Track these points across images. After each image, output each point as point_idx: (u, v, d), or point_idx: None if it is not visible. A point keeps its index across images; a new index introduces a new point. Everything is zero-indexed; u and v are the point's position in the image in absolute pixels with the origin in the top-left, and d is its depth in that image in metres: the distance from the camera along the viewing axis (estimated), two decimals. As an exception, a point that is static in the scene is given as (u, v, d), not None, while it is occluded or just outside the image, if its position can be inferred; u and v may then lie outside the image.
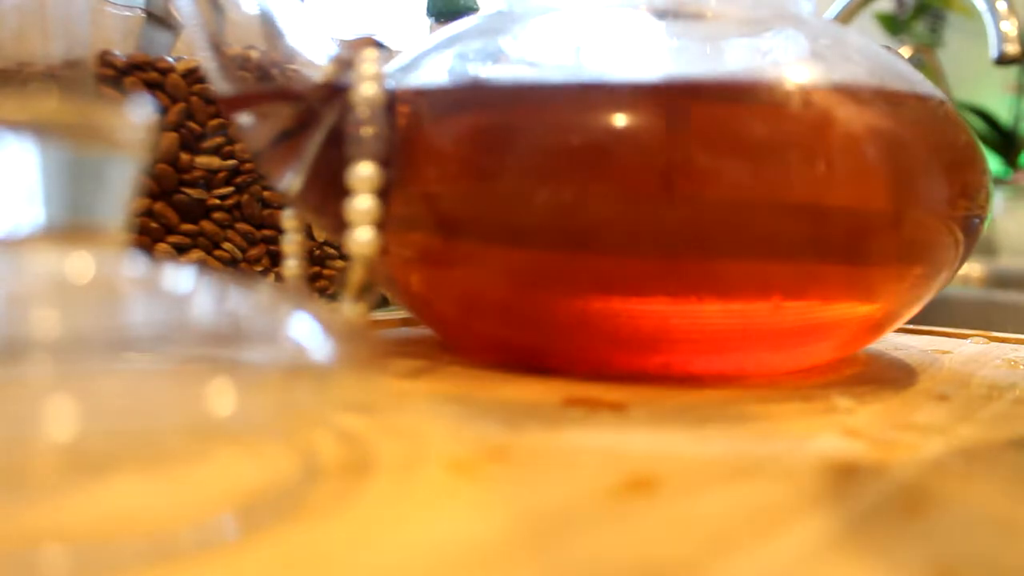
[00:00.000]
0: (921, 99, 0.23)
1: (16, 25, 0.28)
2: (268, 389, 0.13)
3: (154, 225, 0.29)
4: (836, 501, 0.14)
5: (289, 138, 0.21)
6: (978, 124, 1.11)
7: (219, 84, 0.21)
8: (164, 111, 0.29)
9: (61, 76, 0.28)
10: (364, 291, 0.21)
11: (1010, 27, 0.42)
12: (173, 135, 0.29)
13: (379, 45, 0.21)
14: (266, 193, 0.31)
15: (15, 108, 0.13)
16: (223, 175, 0.30)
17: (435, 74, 0.23)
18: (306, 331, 0.14)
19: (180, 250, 0.30)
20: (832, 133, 0.20)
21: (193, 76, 0.30)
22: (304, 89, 0.21)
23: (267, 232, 0.32)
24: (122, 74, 0.29)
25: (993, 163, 1.09)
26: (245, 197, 0.31)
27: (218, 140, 0.30)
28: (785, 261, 0.21)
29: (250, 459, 0.14)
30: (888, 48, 0.25)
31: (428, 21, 0.40)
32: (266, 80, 0.21)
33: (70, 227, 0.13)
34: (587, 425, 0.18)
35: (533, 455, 0.16)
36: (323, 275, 0.34)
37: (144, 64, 0.29)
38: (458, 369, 0.23)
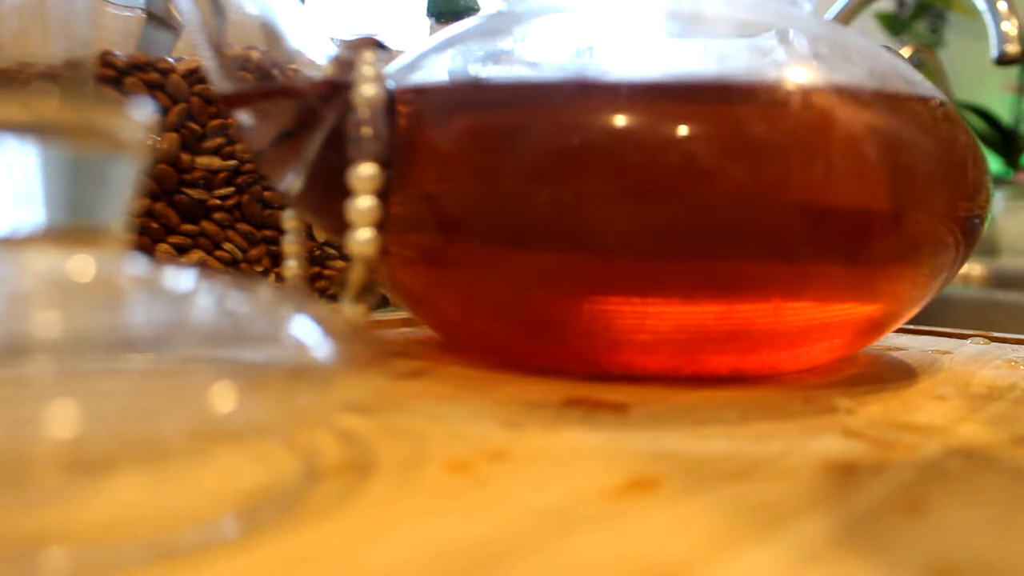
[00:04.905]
0: (921, 99, 0.23)
1: (16, 25, 0.28)
2: (268, 389, 0.13)
3: (155, 225, 0.29)
4: (836, 501, 0.14)
5: (289, 139, 0.21)
6: (978, 124, 1.11)
7: (220, 84, 0.21)
8: (164, 112, 0.29)
9: (61, 76, 0.28)
10: (364, 291, 0.21)
11: (1010, 27, 0.42)
12: (174, 135, 0.29)
13: (379, 45, 0.21)
14: (267, 193, 0.31)
15: (15, 108, 0.13)
16: (224, 175, 0.30)
17: (435, 74, 0.23)
18: (306, 331, 0.14)
19: (181, 250, 0.30)
20: (832, 134, 0.20)
21: (194, 76, 0.30)
22: (304, 89, 0.21)
23: (268, 232, 0.32)
24: (122, 74, 0.29)
25: (993, 163, 1.09)
26: (246, 197, 0.31)
27: (219, 140, 0.30)
28: (785, 261, 0.21)
29: (250, 459, 0.14)
30: (888, 48, 0.25)
31: (428, 21, 0.40)
32: (267, 81, 0.21)
33: (71, 228, 0.13)
34: (587, 425, 0.18)
35: (533, 455, 0.16)
36: (323, 275, 0.34)
37: (145, 64, 0.29)
38: (458, 369, 0.23)
